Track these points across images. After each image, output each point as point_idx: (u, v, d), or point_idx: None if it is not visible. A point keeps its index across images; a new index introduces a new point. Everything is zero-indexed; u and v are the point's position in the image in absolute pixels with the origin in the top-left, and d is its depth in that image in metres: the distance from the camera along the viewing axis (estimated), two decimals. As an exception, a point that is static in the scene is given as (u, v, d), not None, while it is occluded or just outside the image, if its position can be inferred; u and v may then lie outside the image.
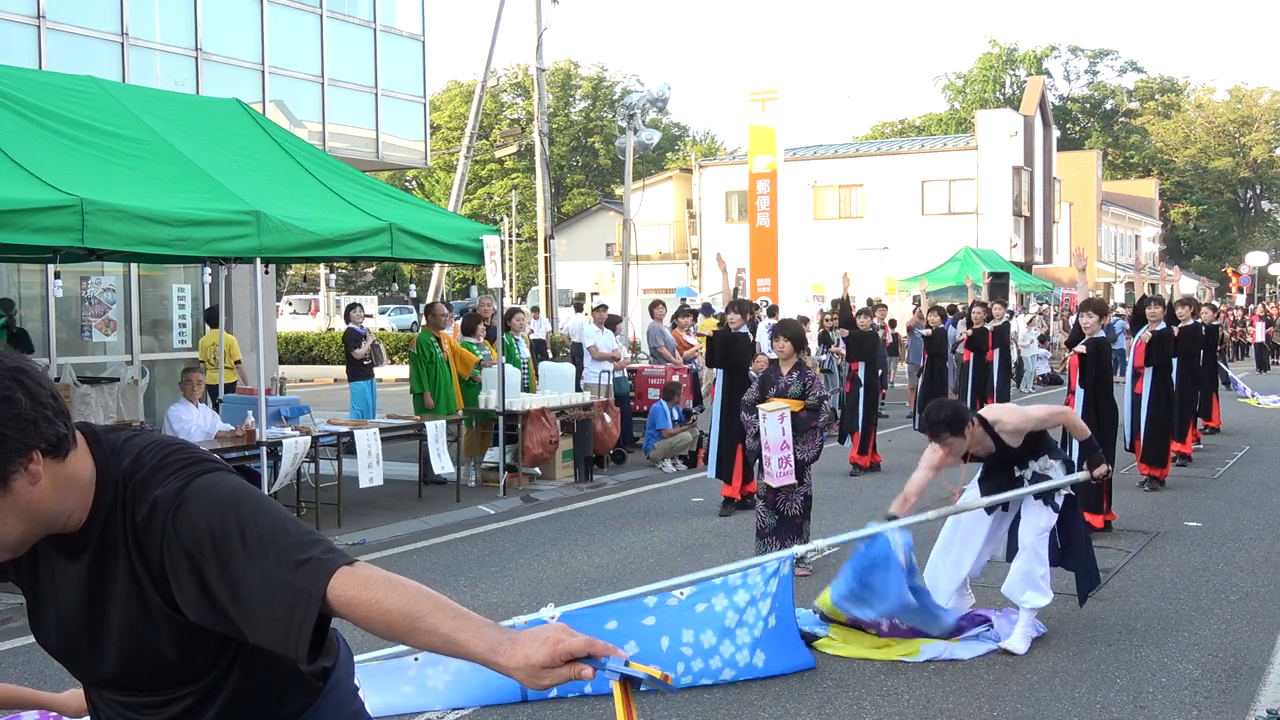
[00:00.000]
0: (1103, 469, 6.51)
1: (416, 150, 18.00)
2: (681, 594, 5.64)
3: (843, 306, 14.33)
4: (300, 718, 2.02)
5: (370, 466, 9.72)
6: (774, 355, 8.25)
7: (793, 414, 7.81)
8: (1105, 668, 5.89)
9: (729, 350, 10.56)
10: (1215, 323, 16.22)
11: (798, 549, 6.03)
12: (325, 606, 1.75)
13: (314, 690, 2.03)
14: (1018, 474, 6.35)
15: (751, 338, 11.08)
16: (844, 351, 14.91)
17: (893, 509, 6.05)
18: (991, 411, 6.44)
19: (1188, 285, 44.92)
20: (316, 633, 1.77)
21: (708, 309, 17.05)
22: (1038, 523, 6.27)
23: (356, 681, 2.18)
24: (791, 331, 8.16)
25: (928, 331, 14.81)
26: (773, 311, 16.54)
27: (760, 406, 7.89)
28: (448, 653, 1.77)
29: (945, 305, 20.67)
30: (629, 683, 1.75)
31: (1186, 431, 12.93)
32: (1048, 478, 6.29)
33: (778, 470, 7.76)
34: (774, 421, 7.75)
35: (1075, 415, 6.92)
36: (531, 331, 15.06)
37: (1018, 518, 6.44)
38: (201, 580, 1.80)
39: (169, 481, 1.84)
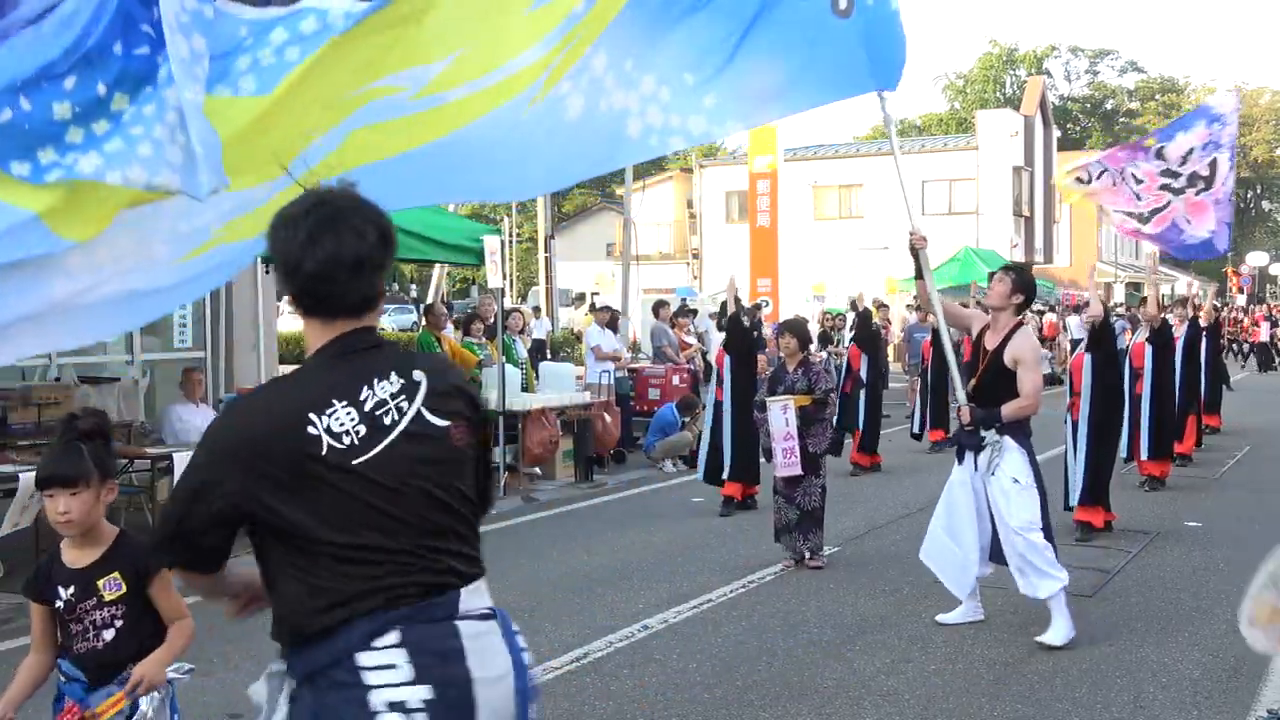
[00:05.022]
0: (966, 415, 6.23)
1: (417, 150, 17.98)
2: None
3: (862, 318, 14.07)
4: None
5: None
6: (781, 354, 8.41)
7: (802, 408, 7.97)
8: (1105, 668, 5.89)
9: (743, 339, 10.51)
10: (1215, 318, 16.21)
11: None
12: None
13: None
14: (982, 438, 6.20)
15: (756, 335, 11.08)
16: (844, 351, 14.89)
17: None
18: (1027, 328, 6.69)
19: (1183, 287, 44.81)
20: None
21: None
22: (1020, 513, 6.11)
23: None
24: (797, 329, 8.34)
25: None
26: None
27: (768, 399, 8.10)
28: None
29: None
30: None
31: (1185, 430, 12.90)
32: (1001, 454, 6.15)
33: (783, 460, 7.94)
34: (777, 412, 7.94)
35: (1034, 408, 6.42)
36: (530, 332, 15.04)
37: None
38: None
39: None
